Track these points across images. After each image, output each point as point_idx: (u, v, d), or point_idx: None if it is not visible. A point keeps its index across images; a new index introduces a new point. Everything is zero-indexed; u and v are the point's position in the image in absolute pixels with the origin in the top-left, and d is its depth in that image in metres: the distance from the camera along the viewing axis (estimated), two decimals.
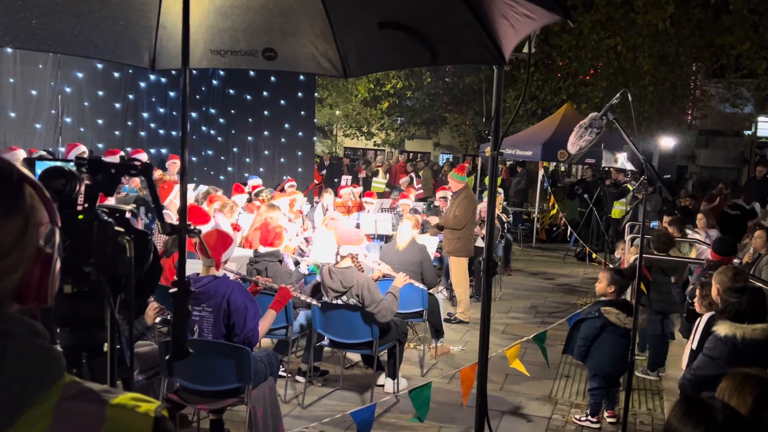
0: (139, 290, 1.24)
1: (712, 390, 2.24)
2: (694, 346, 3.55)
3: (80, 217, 1.15)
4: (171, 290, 1.56)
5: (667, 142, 9.50)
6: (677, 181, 16.90)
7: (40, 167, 1.24)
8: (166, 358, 1.57)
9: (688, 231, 8.15)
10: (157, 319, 4.42)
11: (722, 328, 3.28)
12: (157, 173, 8.69)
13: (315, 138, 14.54)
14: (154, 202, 1.39)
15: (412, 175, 15.54)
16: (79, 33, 2.99)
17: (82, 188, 1.18)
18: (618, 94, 3.24)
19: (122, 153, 8.19)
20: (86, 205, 1.18)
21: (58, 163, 1.13)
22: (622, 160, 11.03)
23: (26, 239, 0.89)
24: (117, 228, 1.19)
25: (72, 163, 1.20)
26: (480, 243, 8.05)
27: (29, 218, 0.89)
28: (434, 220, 8.16)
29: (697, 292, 4.09)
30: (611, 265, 8.52)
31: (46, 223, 0.92)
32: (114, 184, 1.26)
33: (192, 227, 1.50)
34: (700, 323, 3.65)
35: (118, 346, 1.22)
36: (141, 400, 0.88)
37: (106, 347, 1.22)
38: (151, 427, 0.83)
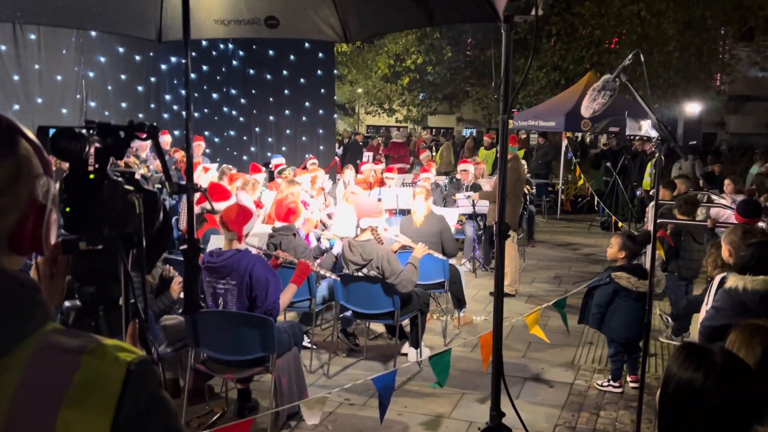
0: (150, 248, 1.31)
1: (723, 342, 2.27)
2: (708, 307, 3.56)
3: (91, 176, 1.23)
4: (181, 247, 1.63)
5: (692, 108, 9.32)
6: (705, 147, 16.62)
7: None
8: (179, 311, 1.65)
9: (714, 196, 8.05)
10: (182, 294, 4.54)
11: (729, 281, 3.32)
12: (179, 154, 8.81)
13: (336, 116, 14.53)
14: (161, 164, 1.45)
15: (433, 147, 15.39)
16: (87, 6, 3.06)
17: (92, 150, 1.24)
18: (630, 55, 3.22)
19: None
20: (97, 166, 1.25)
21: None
22: (646, 127, 10.83)
23: (19, 186, 0.91)
24: (126, 186, 1.27)
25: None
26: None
27: (21, 167, 0.92)
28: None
29: (708, 253, 4.09)
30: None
31: (40, 175, 0.95)
32: (123, 147, 1.32)
33: (198, 186, 1.57)
34: (713, 284, 3.67)
35: (132, 300, 1.30)
36: (124, 350, 0.88)
37: (121, 301, 1.30)
38: (122, 377, 0.83)
